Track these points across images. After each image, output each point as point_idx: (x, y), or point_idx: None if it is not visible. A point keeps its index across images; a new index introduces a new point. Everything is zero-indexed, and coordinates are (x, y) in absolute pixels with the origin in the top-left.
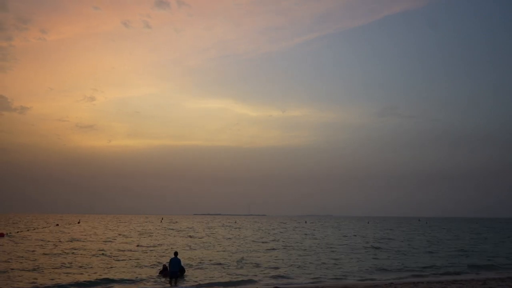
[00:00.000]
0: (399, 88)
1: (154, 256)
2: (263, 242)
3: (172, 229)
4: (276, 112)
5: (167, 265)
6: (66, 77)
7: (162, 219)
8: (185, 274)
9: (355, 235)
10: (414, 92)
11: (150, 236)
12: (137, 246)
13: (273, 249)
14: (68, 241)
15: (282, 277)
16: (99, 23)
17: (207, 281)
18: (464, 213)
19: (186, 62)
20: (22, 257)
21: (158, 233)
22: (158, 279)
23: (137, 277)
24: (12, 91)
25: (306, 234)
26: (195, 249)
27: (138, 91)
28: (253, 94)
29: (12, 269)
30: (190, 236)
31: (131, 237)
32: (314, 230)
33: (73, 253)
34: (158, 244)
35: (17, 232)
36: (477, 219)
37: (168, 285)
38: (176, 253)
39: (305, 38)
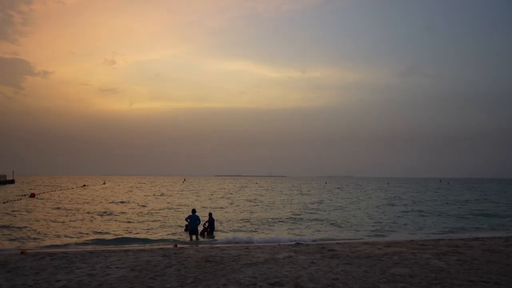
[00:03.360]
0: (422, 48)
1: (183, 214)
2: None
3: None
4: (296, 73)
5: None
6: (86, 40)
7: (185, 180)
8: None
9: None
10: (438, 51)
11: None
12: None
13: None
14: (97, 200)
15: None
16: None
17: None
18: (485, 174)
19: (206, 23)
20: (46, 219)
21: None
22: (181, 236)
23: (161, 235)
24: (34, 56)
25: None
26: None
27: (158, 54)
28: (274, 55)
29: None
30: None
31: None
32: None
33: (92, 213)
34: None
35: (45, 192)
36: (501, 180)
37: (189, 240)
38: (194, 210)
39: None
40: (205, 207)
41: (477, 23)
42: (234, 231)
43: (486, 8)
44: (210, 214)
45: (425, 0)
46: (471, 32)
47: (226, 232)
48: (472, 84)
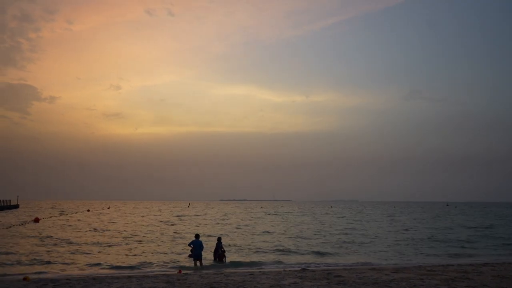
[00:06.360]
0: (424, 72)
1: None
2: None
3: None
4: (300, 97)
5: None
6: (92, 66)
7: (189, 204)
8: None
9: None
10: (439, 75)
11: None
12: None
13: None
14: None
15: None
16: (123, 12)
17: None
18: (487, 198)
19: (209, 49)
20: (54, 241)
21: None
22: (186, 261)
23: (162, 260)
24: (41, 82)
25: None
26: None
27: (162, 79)
28: (277, 80)
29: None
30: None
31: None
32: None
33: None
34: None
35: (49, 217)
36: (506, 203)
37: (193, 266)
38: (197, 235)
39: (328, 22)
40: (210, 235)
41: (480, 47)
42: (241, 256)
43: (491, 32)
44: (219, 239)
45: (426, 24)
46: (477, 56)
47: (235, 257)
48: (475, 109)
